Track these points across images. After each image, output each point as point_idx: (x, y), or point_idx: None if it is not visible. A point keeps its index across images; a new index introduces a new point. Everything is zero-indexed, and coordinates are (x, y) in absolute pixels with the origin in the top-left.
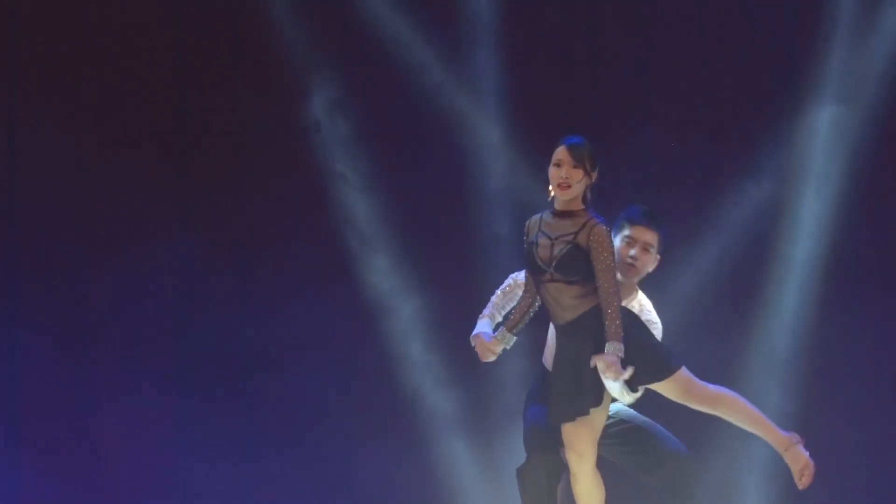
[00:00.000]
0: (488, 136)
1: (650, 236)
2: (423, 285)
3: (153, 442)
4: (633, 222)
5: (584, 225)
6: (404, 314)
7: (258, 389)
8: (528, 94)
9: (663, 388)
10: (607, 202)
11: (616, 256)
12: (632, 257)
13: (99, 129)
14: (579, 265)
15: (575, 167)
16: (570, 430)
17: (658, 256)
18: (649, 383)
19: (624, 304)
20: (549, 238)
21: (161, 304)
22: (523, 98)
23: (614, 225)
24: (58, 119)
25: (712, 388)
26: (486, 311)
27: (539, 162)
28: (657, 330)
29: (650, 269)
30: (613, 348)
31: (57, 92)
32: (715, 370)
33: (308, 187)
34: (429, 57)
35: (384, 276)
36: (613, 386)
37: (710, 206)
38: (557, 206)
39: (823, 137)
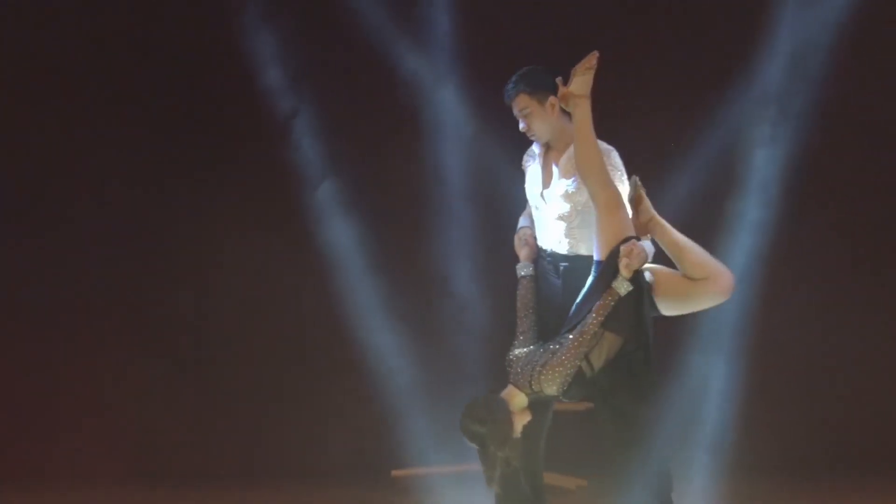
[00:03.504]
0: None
1: (516, 105)
2: (382, 248)
3: None
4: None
5: None
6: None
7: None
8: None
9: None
10: None
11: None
12: (525, 130)
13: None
14: None
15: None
16: None
17: (544, 102)
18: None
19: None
20: None
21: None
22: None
23: None
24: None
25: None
26: None
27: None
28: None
29: (548, 120)
30: None
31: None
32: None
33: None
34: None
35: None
36: None
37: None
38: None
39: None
